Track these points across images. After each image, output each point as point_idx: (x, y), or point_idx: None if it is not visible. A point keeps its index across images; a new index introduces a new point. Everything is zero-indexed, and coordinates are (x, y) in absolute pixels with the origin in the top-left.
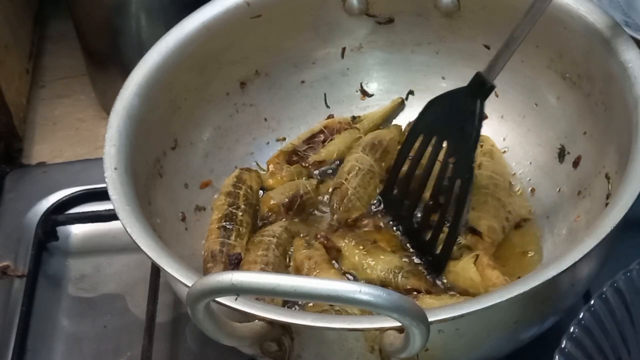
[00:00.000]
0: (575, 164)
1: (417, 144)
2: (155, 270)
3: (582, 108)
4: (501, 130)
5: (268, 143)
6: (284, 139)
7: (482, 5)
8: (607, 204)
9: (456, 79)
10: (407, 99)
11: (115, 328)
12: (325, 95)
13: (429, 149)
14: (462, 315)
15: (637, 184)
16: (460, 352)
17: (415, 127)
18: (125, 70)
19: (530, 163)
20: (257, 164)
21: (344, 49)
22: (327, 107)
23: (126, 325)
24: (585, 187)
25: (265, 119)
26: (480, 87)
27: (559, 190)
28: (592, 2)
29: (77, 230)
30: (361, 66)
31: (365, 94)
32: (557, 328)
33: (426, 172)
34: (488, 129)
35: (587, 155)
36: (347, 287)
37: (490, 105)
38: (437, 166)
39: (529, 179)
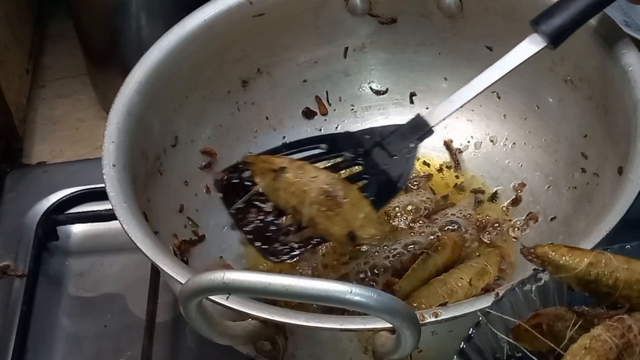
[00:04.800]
0: (575, 166)
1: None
2: (156, 270)
3: (583, 111)
4: (502, 131)
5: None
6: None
7: (485, 7)
8: (604, 207)
9: (458, 80)
10: (410, 100)
11: (115, 328)
12: (327, 93)
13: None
14: (454, 317)
15: (635, 188)
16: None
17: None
18: (125, 70)
19: (531, 164)
20: None
21: (346, 48)
22: (329, 104)
23: (126, 325)
24: (584, 190)
25: (267, 118)
26: (420, 129)
27: (559, 191)
28: None
29: (77, 229)
30: (363, 66)
31: (377, 92)
32: None
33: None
34: (490, 130)
35: (588, 158)
36: (338, 288)
37: (492, 107)
38: None
39: (529, 181)
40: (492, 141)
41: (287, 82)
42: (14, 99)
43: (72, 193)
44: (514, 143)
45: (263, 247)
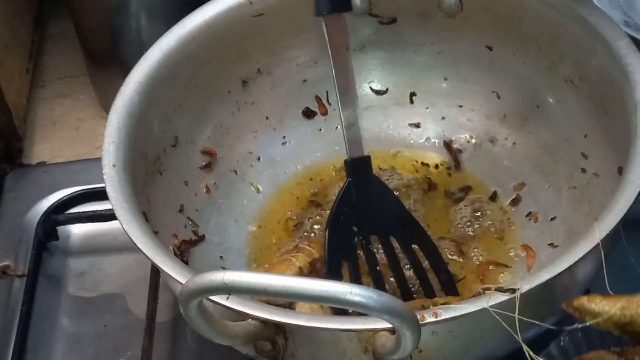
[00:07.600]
0: (575, 166)
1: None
2: (156, 269)
3: (583, 111)
4: (502, 131)
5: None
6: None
7: (485, 7)
8: (604, 207)
9: (458, 80)
10: (410, 100)
11: (115, 328)
12: (327, 93)
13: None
14: (454, 318)
15: (635, 188)
16: (455, 354)
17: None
18: (125, 70)
19: (531, 164)
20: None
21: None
22: (329, 104)
23: (126, 325)
24: (584, 190)
25: (267, 118)
26: (359, 166)
27: (559, 191)
28: (594, 5)
29: (78, 229)
30: (363, 66)
31: (377, 92)
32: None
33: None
34: (490, 130)
35: (588, 158)
36: (339, 288)
37: (492, 107)
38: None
39: (529, 181)
40: (492, 141)
41: (287, 82)
42: (14, 99)
43: (72, 193)
44: (514, 143)
45: None
